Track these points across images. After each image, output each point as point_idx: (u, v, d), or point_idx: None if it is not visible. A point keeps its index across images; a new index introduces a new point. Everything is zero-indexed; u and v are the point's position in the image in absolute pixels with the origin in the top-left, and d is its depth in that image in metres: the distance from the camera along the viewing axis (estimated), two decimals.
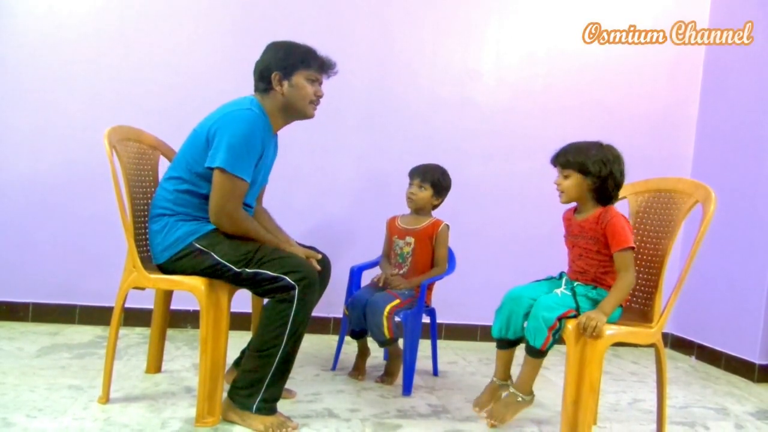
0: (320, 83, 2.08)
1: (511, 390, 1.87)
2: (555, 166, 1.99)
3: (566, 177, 1.94)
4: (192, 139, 1.99)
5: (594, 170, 1.89)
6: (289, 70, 2.00)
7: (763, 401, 2.59)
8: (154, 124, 2.40)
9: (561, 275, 2.05)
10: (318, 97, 2.07)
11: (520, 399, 1.87)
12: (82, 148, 2.96)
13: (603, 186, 1.91)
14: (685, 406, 2.44)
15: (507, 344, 1.98)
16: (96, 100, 3.02)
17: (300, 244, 2.15)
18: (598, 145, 1.94)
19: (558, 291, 1.89)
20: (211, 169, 1.88)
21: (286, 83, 2.01)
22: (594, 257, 1.94)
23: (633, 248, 1.87)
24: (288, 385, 2.02)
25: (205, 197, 1.93)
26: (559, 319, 1.80)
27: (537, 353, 1.83)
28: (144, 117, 2.35)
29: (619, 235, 1.85)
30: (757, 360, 2.86)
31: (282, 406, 1.95)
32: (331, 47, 3.18)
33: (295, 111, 2.05)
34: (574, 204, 2.03)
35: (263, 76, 2.02)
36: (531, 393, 1.91)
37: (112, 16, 3.03)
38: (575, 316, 1.81)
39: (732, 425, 2.26)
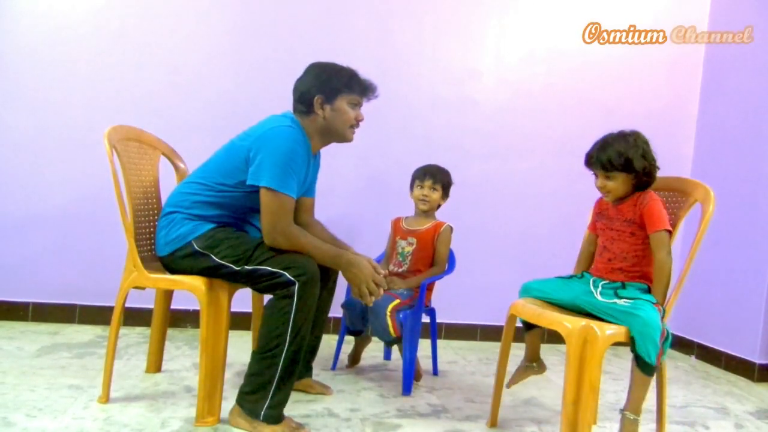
0: (360, 106, 2.07)
1: (628, 415, 1.81)
2: (592, 169, 1.97)
3: (610, 178, 1.93)
4: (229, 150, 1.97)
5: (638, 167, 1.89)
6: (332, 94, 1.98)
7: (763, 401, 2.59)
8: (154, 124, 2.40)
9: (583, 275, 2.04)
10: (358, 121, 2.05)
11: (638, 422, 1.82)
12: (82, 148, 2.97)
13: (646, 177, 1.92)
14: (685, 406, 2.44)
15: (532, 324, 2.03)
16: (96, 100, 3.02)
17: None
18: (627, 139, 1.91)
19: (621, 301, 1.84)
20: (256, 187, 1.86)
21: (328, 107, 1.99)
22: (627, 239, 1.94)
23: (670, 231, 1.88)
24: None
25: (219, 205, 1.94)
26: (663, 332, 1.81)
27: (652, 370, 1.80)
28: (144, 117, 2.35)
29: (657, 217, 1.87)
30: (757, 360, 2.86)
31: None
32: (331, 47, 3.24)
33: (335, 134, 2.04)
34: None
35: (304, 99, 1.99)
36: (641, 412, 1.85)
37: (112, 15, 3.03)
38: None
39: (732, 425, 2.26)
